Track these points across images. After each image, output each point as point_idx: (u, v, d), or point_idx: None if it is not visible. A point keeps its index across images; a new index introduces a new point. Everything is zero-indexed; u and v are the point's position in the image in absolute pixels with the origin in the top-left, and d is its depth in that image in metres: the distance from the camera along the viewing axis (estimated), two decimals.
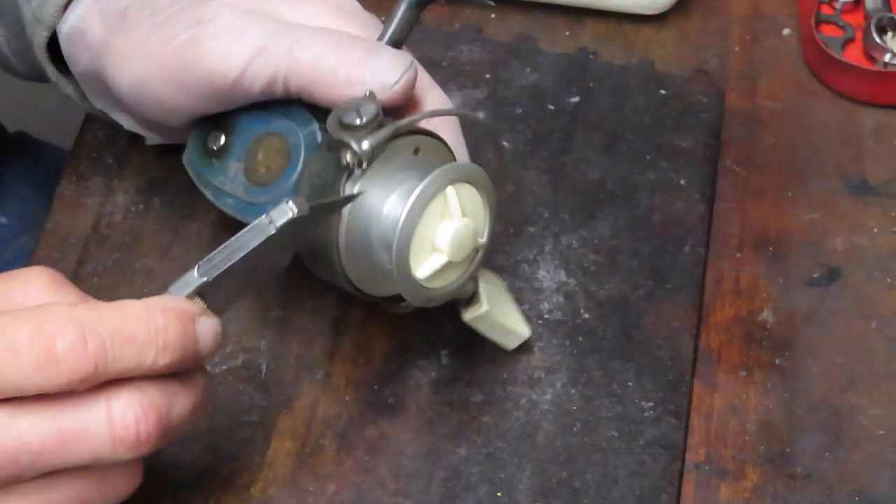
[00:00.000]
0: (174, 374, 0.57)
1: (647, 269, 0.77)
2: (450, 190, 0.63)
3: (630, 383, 0.72)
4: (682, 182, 0.80)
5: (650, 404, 0.72)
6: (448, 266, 0.64)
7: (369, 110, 0.61)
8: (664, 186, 0.80)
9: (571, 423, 0.71)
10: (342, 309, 0.73)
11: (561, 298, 0.75)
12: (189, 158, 0.70)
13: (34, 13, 0.71)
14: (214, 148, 0.68)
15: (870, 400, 0.73)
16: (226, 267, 0.58)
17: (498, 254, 0.77)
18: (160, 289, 0.74)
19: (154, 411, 0.55)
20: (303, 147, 0.65)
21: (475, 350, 0.73)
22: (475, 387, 0.72)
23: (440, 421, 0.71)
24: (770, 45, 0.88)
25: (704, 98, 0.84)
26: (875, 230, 0.79)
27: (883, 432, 0.72)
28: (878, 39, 0.84)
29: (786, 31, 0.89)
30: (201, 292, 0.59)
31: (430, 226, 0.63)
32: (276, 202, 0.62)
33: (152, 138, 0.75)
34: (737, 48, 0.87)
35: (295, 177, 0.64)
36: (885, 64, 0.84)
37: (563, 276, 0.76)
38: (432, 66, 0.75)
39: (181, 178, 0.77)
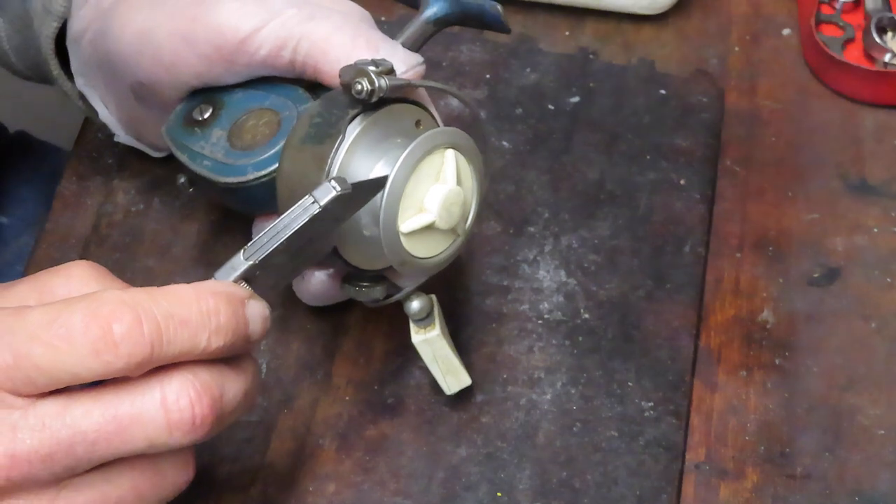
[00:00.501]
0: (224, 360, 0.57)
1: (647, 269, 0.77)
2: (449, 154, 0.63)
3: (630, 383, 0.72)
4: (682, 182, 0.80)
5: (650, 404, 0.72)
6: (434, 232, 0.63)
7: (385, 62, 0.62)
8: (664, 186, 0.80)
9: (571, 423, 0.71)
10: (342, 309, 0.73)
11: (561, 298, 0.75)
12: (169, 126, 0.69)
13: (44, 4, 0.71)
14: (199, 119, 0.67)
15: (870, 400, 0.73)
16: (272, 249, 0.58)
17: (498, 254, 0.77)
18: None
19: (208, 394, 0.55)
20: (296, 121, 0.65)
21: (475, 350, 0.73)
22: (475, 387, 0.72)
23: (440, 421, 0.71)
24: (770, 45, 0.88)
25: (704, 98, 0.84)
26: (875, 230, 0.79)
27: (883, 432, 0.72)
28: (878, 39, 0.84)
29: (786, 31, 0.89)
30: (247, 277, 0.58)
31: (421, 186, 0.62)
32: (258, 165, 0.63)
33: (125, 136, 0.75)
34: (737, 48, 0.87)
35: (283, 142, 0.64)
36: (885, 64, 0.84)
37: (563, 276, 0.76)
38: (432, 66, 0.76)
39: None
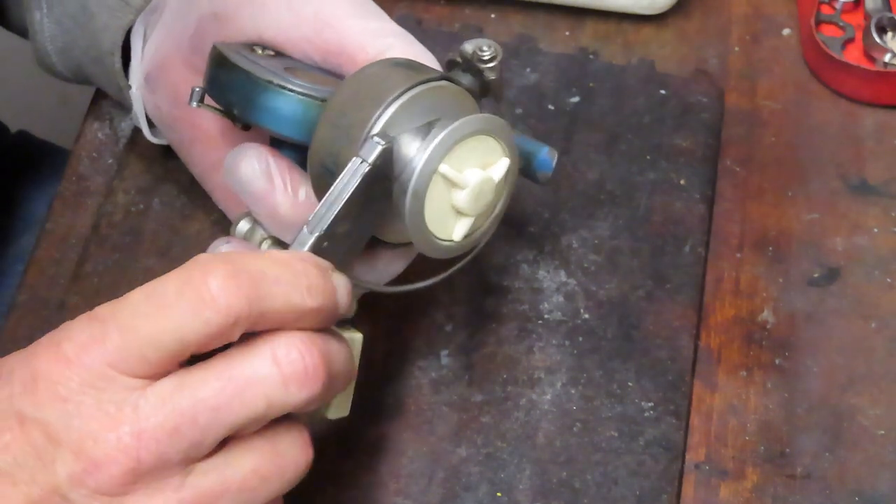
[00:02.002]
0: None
1: (647, 269, 0.77)
2: (505, 161, 0.63)
3: (630, 383, 0.72)
4: (682, 182, 0.80)
5: (650, 404, 0.72)
6: (452, 212, 0.63)
7: (493, 47, 0.64)
8: (664, 186, 0.80)
9: (571, 424, 0.71)
10: None
11: (561, 298, 0.75)
12: (223, 43, 0.67)
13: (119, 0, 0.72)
14: (260, 52, 0.67)
15: (870, 400, 0.73)
16: (333, 217, 0.59)
17: (498, 254, 0.77)
18: None
19: (315, 347, 0.55)
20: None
21: (475, 350, 0.73)
22: (475, 387, 0.72)
23: (440, 421, 0.71)
24: (770, 45, 0.88)
25: (704, 98, 0.84)
26: (875, 230, 0.79)
27: (883, 432, 0.72)
28: (878, 39, 0.84)
29: (786, 31, 0.89)
30: (316, 252, 0.59)
31: (466, 158, 0.62)
32: (310, 88, 0.64)
33: (162, 135, 0.75)
34: (737, 48, 0.87)
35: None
36: (885, 64, 0.84)
37: (563, 276, 0.76)
38: None
39: (181, 178, 0.77)
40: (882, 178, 0.82)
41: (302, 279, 0.56)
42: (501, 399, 0.72)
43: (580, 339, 0.74)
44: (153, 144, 0.77)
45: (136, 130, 0.78)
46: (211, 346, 0.55)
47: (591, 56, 0.86)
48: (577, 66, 0.85)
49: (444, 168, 0.61)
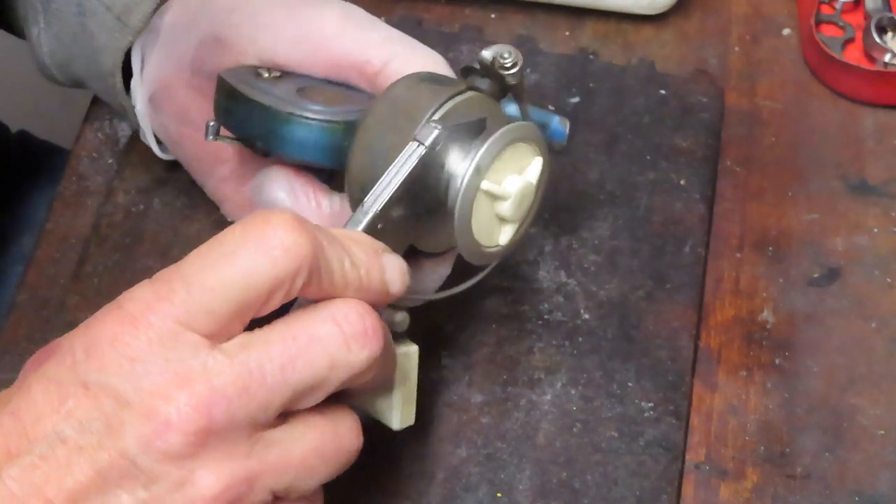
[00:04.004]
0: None
1: (647, 269, 0.77)
2: (538, 160, 0.64)
3: (630, 383, 0.72)
4: (682, 182, 0.80)
5: (650, 404, 0.72)
6: (495, 218, 0.64)
7: (513, 53, 0.65)
8: (664, 186, 0.80)
9: (571, 424, 0.71)
10: None
11: (561, 299, 0.75)
12: (228, 71, 0.68)
13: (119, 17, 0.71)
14: (265, 75, 0.67)
15: (870, 400, 0.73)
16: (389, 197, 0.59)
17: None
18: None
19: (370, 311, 0.56)
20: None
21: (475, 350, 0.73)
22: (475, 387, 0.72)
23: (440, 421, 0.71)
24: (770, 45, 0.88)
25: (704, 98, 0.84)
26: (875, 230, 0.79)
27: (883, 432, 0.72)
28: (878, 39, 0.84)
29: (786, 31, 0.89)
30: (370, 232, 0.59)
31: (504, 168, 0.63)
32: (328, 112, 0.64)
33: (168, 152, 0.75)
34: (737, 48, 0.87)
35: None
36: (885, 64, 0.84)
37: (563, 276, 0.76)
38: None
39: (181, 178, 0.77)
40: (882, 178, 0.82)
41: (359, 253, 0.57)
42: (501, 399, 0.72)
43: (580, 339, 0.74)
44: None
45: (136, 130, 0.78)
46: (275, 299, 0.54)
47: (591, 56, 0.86)
48: (577, 66, 0.85)
49: (486, 185, 0.62)
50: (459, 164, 0.62)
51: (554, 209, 0.79)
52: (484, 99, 0.65)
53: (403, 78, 0.65)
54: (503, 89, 0.66)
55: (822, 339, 0.75)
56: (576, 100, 0.83)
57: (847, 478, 0.70)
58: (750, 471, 0.70)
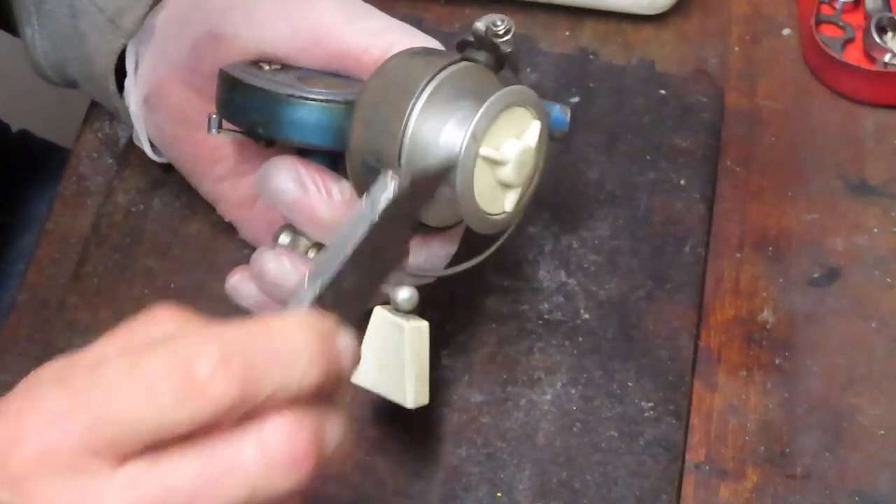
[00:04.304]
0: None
1: (647, 269, 0.77)
2: (537, 124, 0.64)
3: (630, 383, 0.72)
4: (682, 182, 0.80)
5: (650, 404, 0.72)
6: (498, 185, 0.64)
7: (505, 21, 0.65)
8: (664, 186, 0.80)
9: (571, 424, 0.71)
10: None
11: (561, 298, 0.75)
12: (228, 65, 0.67)
13: (112, 20, 0.71)
14: (267, 67, 0.68)
15: (870, 400, 0.73)
16: (334, 272, 0.52)
17: (498, 254, 0.76)
18: (160, 289, 0.74)
19: (305, 430, 0.49)
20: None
21: (475, 350, 0.73)
22: (475, 387, 0.72)
23: (440, 421, 0.71)
24: (770, 45, 0.88)
25: (704, 98, 0.84)
26: (875, 230, 0.79)
27: (883, 432, 0.72)
28: (878, 39, 0.84)
29: (786, 31, 0.89)
30: (321, 304, 0.51)
31: (502, 133, 0.63)
32: (329, 93, 0.64)
33: (162, 153, 0.75)
34: (737, 48, 0.87)
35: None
36: (885, 64, 0.84)
37: (563, 276, 0.76)
38: None
39: (181, 178, 0.77)
40: (882, 178, 0.82)
41: (303, 354, 0.49)
42: (501, 399, 0.72)
43: (580, 339, 0.74)
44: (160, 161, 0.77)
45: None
46: (196, 433, 0.48)
47: (591, 56, 0.86)
48: (577, 66, 0.85)
49: (484, 150, 0.62)
50: (456, 133, 0.62)
51: (554, 209, 0.79)
52: (479, 69, 0.65)
53: (398, 52, 0.65)
54: (499, 59, 0.66)
55: (822, 339, 0.75)
56: (576, 100, 0.83)
57: (847, 478, 0.70)
58: (750, 471, 0.70)
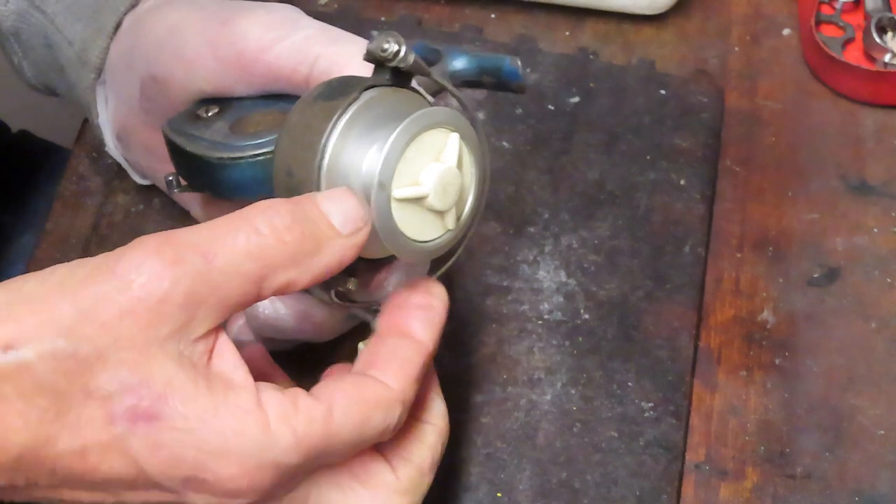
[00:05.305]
0: None
1: (647, 269, 0.77)
2: (453, 136, 0.61)
3: (630, 383, 0.72)
4: (682, 182, 0.80)
5: (650, 404, 0.72)
6: (427, 213, 0.61)
7: (391, 42, 0.61)
8: (664, 186, 0.80)
9: (571, 424, 0.71)
10: None
11: (561, 299, 0.75)
12: (171, 119, 0.68)
13: (78, 56, 0.71)
14: (204, 115, 0.67)
15: (870, 400, 0.73)
16: None
17: (498, 254, 0.77)
18: None
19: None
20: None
21: (475, 350, 0.73)
22: (475, 387, 0.72)
23: None
24: (770, 45, 0.88)
25: (704, 98, 0.84)
26: (875, 230, 0.79)
27: (883, 432, 0.72)
28: (878, 39, 0.84)
29: (786, 31, 0.89)
30: None
31: (419, 160, 0.60)
32: (258, 145, 0.63)
33: (114, 148, 0.75)
34: (737, 48, 0.87)
35: None
36: (885, 64, 0.84)
37: (563, 276, 0.76)
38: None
39: None
40: (882, 178, 0.82)
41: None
42: (501, 399, 0.72)
43: (580, 339, 0.74)
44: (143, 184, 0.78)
45: None
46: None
47: (591, 56, 0.86)
48: (577, 66, 0.85)
49: (397, 193, 0.59)
50: (366, 182, 0.60)
51: (554, 209, 0.79)
52: (385, 93, 0.62)
53: (299, 101, 0.62)
54: (407, 73, 0.63)
55: (822, 339, 0.75)
56: (576, 100, 0.84)
57: (847, 478, 0.70)
58: (750, 471, 0.70)
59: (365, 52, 0.61)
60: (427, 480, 0.61)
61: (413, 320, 0.61)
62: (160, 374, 0.53)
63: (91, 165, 0.80)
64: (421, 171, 0.60)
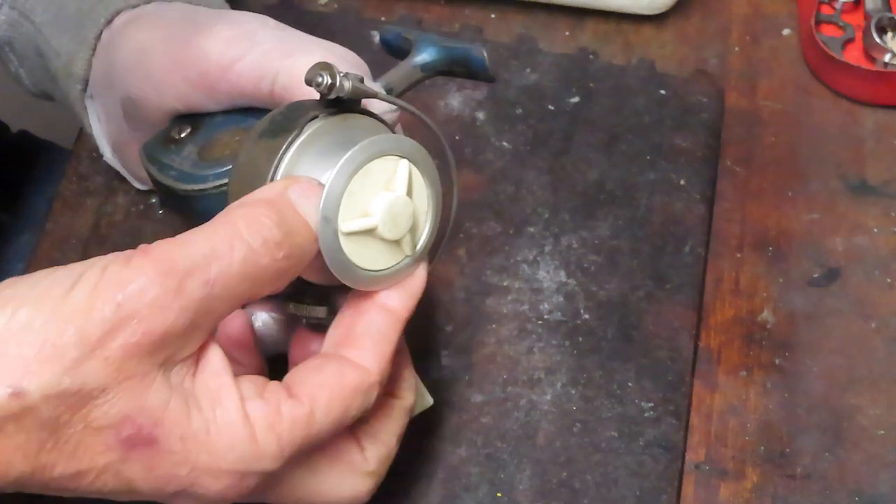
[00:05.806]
0: None
1: (647, 269, 0.77)
2: (402, 163, 0.60)
3: (630, 383, 0.72)
4: (682, 182, 0.80)
5: (650, 404, 0.72)
6: (379, 243, 0.60)
7: (356, 74, 0.60)
8: (664, 186, 0.80)
9: (571, 424, 0.71)
10: None
11: (561, 299, 0.75)
12: (147, 143, 0.68)
13: (66, 67, 0.71)
14: (177, 137, 0.67)
15: (870, 400, 0.73)
16: None
17: (498, 254, 0.77)
18: None
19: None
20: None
21: (475, 350, 0.73)
22: (475, 387, 0.72)
23: (440, 421, 0.71)
24: (770, 45, 0.88)
25: (704, 98, 0.84)
26: (875, 230, 0.79)
27: (883, 432, 0.72)
28: (878, 39, 0.84)
29: (786, 31, 0.89)
30: None
31: (368, 191, 0.59)
32: (220, 175, 0.63)
33: (111, 156, 0.76)
34: (737, 48, 0.87)
35: None
36: (885, 64, 0.84)
37: (563, 276, 0.76)
38: None
39: None
40: (882, 178, 0.82)
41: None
42: (501, 399, 0.72)
43: (580, 339, 0.74)
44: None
45: None
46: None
47: (591, 56, 0.86)
48: (577, 66, 0.85)
49: (344, 227, 0.59)
50: (312, 219, 0.59)
51: (554, 209, 0.79)
52: (333, 123, 0.61)
53: (246, 137, 0.62)
54: (351, 100, 0.62)
55: (822, 339, 0.75)
56: (576, 100, 0.84)
57: (847, 478, 0.70)
58: (750, 471, 0.70)
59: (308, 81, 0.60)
60: (392, 454, 0.63)
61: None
62: (157, 400, 0.54)
63: (91, 165, 0.80)
64: (370, 202, 0.59)
